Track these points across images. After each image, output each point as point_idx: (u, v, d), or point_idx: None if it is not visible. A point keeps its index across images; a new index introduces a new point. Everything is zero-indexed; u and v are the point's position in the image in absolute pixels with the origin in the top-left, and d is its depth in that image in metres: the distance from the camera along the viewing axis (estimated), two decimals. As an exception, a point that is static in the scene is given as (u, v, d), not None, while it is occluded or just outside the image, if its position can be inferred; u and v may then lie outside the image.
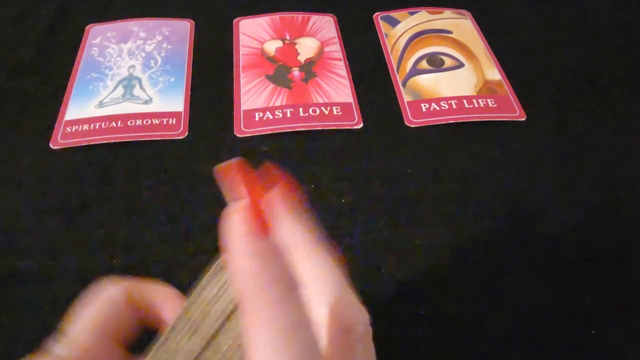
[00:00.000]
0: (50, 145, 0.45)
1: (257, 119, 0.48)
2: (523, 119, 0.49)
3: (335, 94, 0.50)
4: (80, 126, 0.47)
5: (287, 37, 0.55)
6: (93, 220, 0.41)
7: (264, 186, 0.20)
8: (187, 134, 0.47)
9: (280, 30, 0.56)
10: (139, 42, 0.55)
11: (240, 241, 0.18)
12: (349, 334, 0.20)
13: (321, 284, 0.20)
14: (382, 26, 0.58)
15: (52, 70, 0.52)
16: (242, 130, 0.47)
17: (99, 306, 0.22)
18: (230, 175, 0.19)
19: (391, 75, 0.52)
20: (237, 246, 0.18)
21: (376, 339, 0.35)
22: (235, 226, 0.18)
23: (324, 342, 0.19)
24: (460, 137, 0.47)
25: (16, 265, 0.38)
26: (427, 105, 0.49)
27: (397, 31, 0.57)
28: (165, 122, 0.47)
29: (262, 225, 0.18)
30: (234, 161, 0.19)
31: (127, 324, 0.23)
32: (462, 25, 0.57)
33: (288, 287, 0.17)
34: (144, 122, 0.47)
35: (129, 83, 0.50)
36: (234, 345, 0.20)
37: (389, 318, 0.36)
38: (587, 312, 0.37)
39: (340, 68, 0.53)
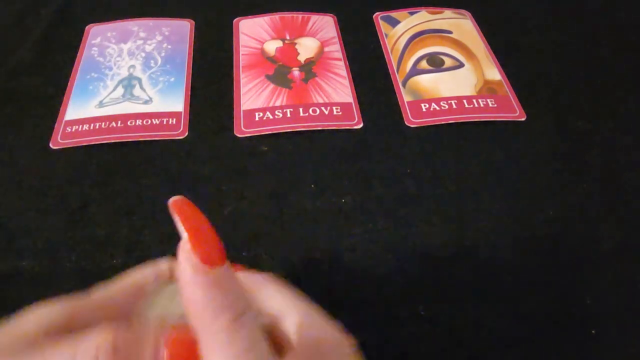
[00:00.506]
0: (50, 145, 0.45)
1: (257, 119, 0.48)
2: (523, 119, 0.49)
3: (335, 94, 0.50)
4: (80, 126, 0.47)
5: (287, 37, 0.55)
6: (93, 220, 0.41)
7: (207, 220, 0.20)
8: (187, 134, 0.47)
9: (280, 30, 0.56)
10: (139, 42, 0.55)
11: (188, 273, 0.18)
12: (318, 354, 0.20)
13: (291, 311, 0.21)
14: (382, 26, 0.58)
15: (52, 70, 0.52)
16: (242, 130, 0.47)
17: (142, 271, 0.24)
18: (178, 210, 0.20)
19: (391, 75, 0.52)
20: (185, 277, 0.19)
21: (376, 339, 0.35)
22: (183, 259, 0.19)
23: None
24: (460, 137, 0.47)
25: (16, 265, 0.38)
26: (427, 105, 0.49)
27: (397, 31, 0.57)
28: (165, 122, 0.47)
29: (208, 256, 0.19)
30: (178, 197, 0.20)
31: None
32: (462, 25, 0.57)
33: (237, 313, 0.18)
34: (144, 122, 0.47)
35: (129, 83, 0.50)
36: None
37: (389, 318, 0.36)
38: (587, 312, 0.37)
39: (340, 68, 0.53)
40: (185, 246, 0.19)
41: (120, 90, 0.50)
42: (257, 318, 0.19)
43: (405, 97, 0.50)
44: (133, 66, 0.52)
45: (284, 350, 0.20)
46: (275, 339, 0.20)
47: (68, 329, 0.20)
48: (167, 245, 0.39)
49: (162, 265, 0.24)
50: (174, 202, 0.20)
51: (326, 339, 0.21)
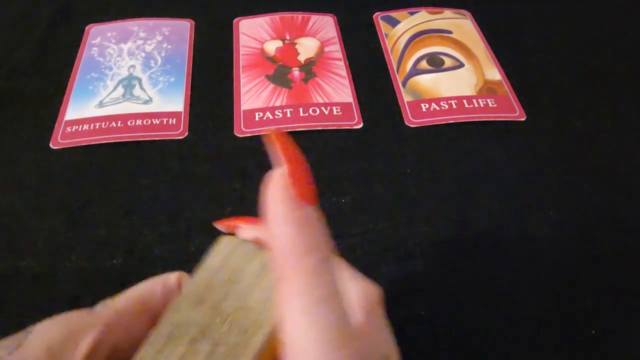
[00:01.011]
0: (50, 145, 0.45)
1: (257, 119, 0.48)
2: (523, 119, 0.49)
3: (335, 94, 0.50)
4: (80, 126, 0.47)
5: (287, 37, 0.55)
6: (93, 220, 0.41)
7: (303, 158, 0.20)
8: (187, 134, 0.47)
9: (280, 30, 0.56)
10: (139, 42, 0.55)
11: (281, 207, 0.18)
12: (371, 309, 0.21)
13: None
14: (382, 26, 0.58)
15: (52, 70, 0.52)
16: (242, 130, 0.47)
17: (148, 284, 0.23)
18: (275, 141, 0.19)
19: (391, 75, 0.52)
20: (277, 212, 0.18)
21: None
22: (276, 192, 0.18)
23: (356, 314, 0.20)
24: (460, 137, 0.47)
25: (16, 265, 0.38)
26: (427, 105, 0.49)
27: (397, 31, 0.57)
28: (165, 122, 0.47)
29: (303, 193, 0.18)
30: (277, 129, 0.19)
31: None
32: (462, 25, 0.57)
33: (324, 257, 0.17)
34: (144, 122, 0.47)
35: (129, 83, 0.50)
36: (238, 307, 0.20)
37: (389, 319, 0.36)
38: (587, 312, 0.37)
39: (340, 68, 0.53)
40: (279, 180, 0.18)
41: (120, 90, 0.50)
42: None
43: (405, 97, 0.50)
44: (133, 66, 0.52)
45: None
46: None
47: (69, 348, 0.19)
48: (167, 245, 0.39)
49: (170, 278, 0.23)
50: (275, 132, 0.19)
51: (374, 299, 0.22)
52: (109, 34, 0.56)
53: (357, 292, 0.21)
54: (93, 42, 0.55)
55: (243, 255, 0.22)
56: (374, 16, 0.59)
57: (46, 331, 0.20)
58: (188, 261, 0.38)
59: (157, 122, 0.47)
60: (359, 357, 0.16)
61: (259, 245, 0.22)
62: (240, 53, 0.54)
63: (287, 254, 0.17)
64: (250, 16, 0.58)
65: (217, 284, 0.21)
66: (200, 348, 0.19)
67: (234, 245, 0.23)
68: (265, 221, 0.18)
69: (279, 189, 0.18)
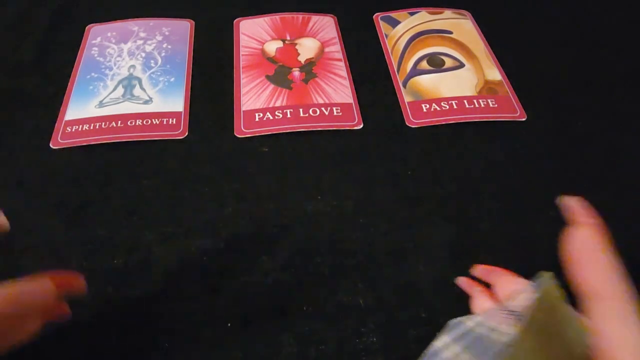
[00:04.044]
0: (50, 145, 0.45)
1: (257, 119, 0.48)
2: (523, 119, 0.49)
3: (336, 95, 0.50)
4: (80, 126, 0.47)
5: (288, 38, 0.55)
6: (93, 220, 0.41)
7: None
8: (187, 134, 0.47)
9: (281, 30, 0.56)
10: (139, 42, 0.55)
11: (594, 253, 0.26)
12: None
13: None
14: (382, 26, 0.58)
15: (52, 70, 0.52)
16: (242, 130, 0.47)
17: (24, 286, 0.25)
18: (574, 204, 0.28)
19: (391, 76, 0.52)
20: (593, 257, 0.26)
21: (379, 342, 0.35)
22: (587, 241, 0.25)
23: None
24: (461, 137, 0.47)
25: (16, 265, 0.38)
26: (428, 106, 0.49)
27: (397, 31, 0.57)
28: (165, 122, 0.47)
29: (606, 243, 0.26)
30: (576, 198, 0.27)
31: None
32: (462, 26, 0.57)
33: (627, 287, 0.25)
34: (144, 122, 0.47)
35: (129, 83, 0.50)
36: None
37: (390, 320, 0.36)
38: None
39: (341, 68, 0.53)
40: (588, 235, 0.28)
41: (120, 90, 0.50)
42: None
43: (405, 97, 0.50)
44: (133, 66, 0.52)
45: None
46: None
47: None
48: (167, 245, 0.39)
49: (46, 282, 0.26)
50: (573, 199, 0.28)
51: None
52: (109, 34, 0.56)
53: None
54: (93, 42, 0.55)
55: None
56: (374, 16, 0.59)
57: None
58: (188, 261, 0.38)
59: (157, 122, 0.47)
60: None
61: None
62: (241, 53, 0.54)
63: (610, 288, 0.25)
64: (250, 16, 0.58)
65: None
66: None
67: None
68: (575, 266, 0.26)
69: (589, 239, 0.26)
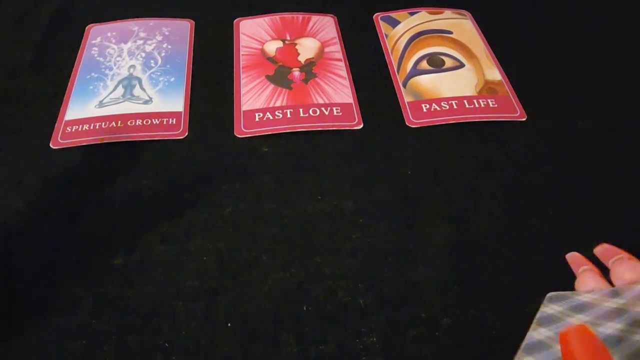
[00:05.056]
0: (50, 145, 0.45)
1: (257, 119, 0.48)
2: (523, 119, 0.49)
3: (336, 95, 0.50)
4: (80, 126, 0.47)
5: (288, 38, 0.55)
6: (93, 220, 0.41)
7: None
8: (187, 134, 0.47)
9: (281, 30, 0.56)
10: (139, 42, 0.55)
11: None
12: None
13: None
14: (382, 26, 0.58)
15: (52, 70, 0.52)
16: (242, 130, 0.47)
17: None
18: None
19: (391, 76, 0.52)
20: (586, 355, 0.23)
21: (378, 342, 0.35)
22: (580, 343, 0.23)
23: None
24: (461, 137, 0.47)
25: (17, 265, 0.38)
26: (428, 106, 0.49)
27: (398, 31, 0.57)
28: (165, 122, 0.47)
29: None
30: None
31: None
32: (462, 25, 0.57)
33: None
34: (144, 122, 0.47)
35: (129, 83, 0.50)
36: None
37: (390, 320, 0.36)
38: (587, 313, 0.37)
39: (341, 69, 0.53)
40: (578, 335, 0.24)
41: (120, 90, 0.50)
42: None
43: (405, 97, 0.50)
44: (133, 66, 0.52)
45: None
46: None
47: None
48: (167, 245, 0.39)
49: None
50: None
51: None
52: (109, 34, 0.56)
53: None
54: (93, 42, 0.55)
55: None
56: (374, 16, 0.59)
57: None
58: (188, 261, 0.38)
59: (157, 122, 0.47)
60: None
61: None
62: (241, 53, 0.54)
63: None
64: (250, 16, 0.58)
65: None
66: None
67: None
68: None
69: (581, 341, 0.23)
